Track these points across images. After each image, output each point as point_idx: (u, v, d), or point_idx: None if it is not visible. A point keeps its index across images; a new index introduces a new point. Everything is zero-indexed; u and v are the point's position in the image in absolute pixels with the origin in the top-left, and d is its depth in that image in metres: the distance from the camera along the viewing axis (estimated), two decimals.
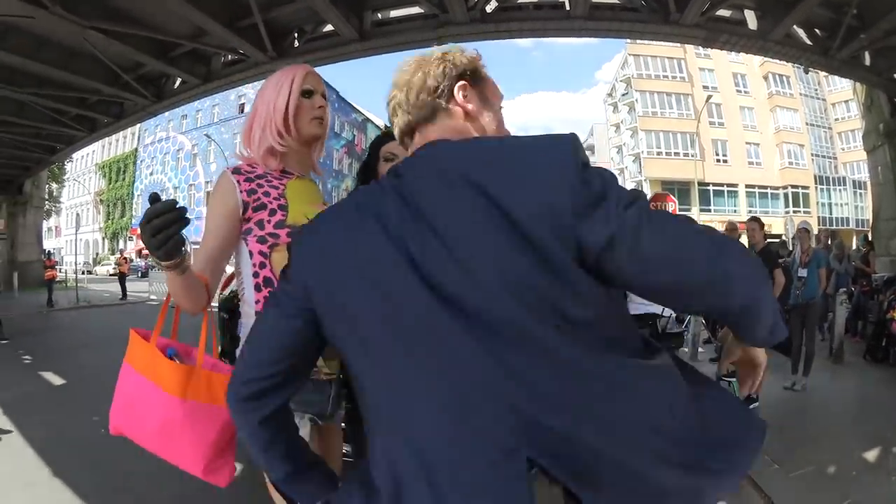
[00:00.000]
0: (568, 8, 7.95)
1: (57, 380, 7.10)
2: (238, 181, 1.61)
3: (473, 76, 1.16)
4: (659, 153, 44.43)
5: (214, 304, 1.63)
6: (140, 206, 53.54)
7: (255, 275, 1.61)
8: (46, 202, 31.19)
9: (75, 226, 25.73)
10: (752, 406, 5.23)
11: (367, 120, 61.35)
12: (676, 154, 44.00)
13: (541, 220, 0.87)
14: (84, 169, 56.96)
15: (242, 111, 44.53)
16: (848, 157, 44.05)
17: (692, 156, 40.32)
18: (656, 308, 4.83)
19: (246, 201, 1.60)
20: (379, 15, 9.01)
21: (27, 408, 5.63)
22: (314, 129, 1.79)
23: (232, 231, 1.60)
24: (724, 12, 7.85)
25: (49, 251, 24.52)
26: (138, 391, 1.53)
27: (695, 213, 34.86)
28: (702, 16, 7.36)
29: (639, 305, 4.75)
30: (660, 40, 8.39)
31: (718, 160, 44.04)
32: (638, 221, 0.87)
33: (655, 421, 0.91)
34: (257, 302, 1.61)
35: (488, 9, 8.13)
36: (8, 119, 13.99)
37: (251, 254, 1.61)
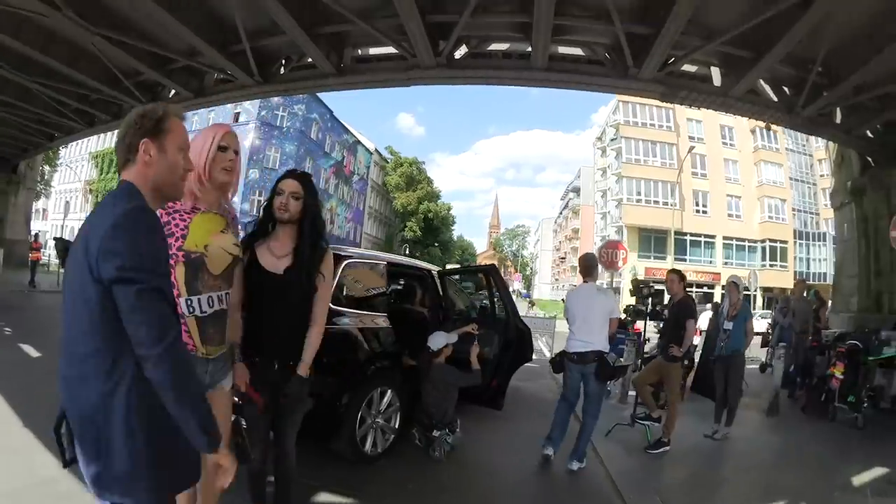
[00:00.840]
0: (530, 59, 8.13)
1: (34, 352, 7.60)
2: (160, 214, 2.21)
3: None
4: (639, 200, 45.04)
5: None
6: None
7: None
8: (38, 185, 32.06)
9: (64, 212, 26.17)
10: (661, 450, 5.68)
11: (358, 142, 61.64)
12: (657, 202, 44.60)
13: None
14: (77, 156, 56.86)
15: (237, 120, 44.90)
16: (830, 213, 44.69)
17: (672, 205, 41.04)
18: (601, 347, 5.24)
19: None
20: (359, 51, 9.54)
21: (6, 373, 6.21)
22: (223, 177, 2.48)
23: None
24: (689, 67, 7.86)
25: (36, 233, 24.92)
26: None
27: (670, 263, 35.40)
28: (660, 71, 7.41)
29: (581, 344, 5.23)
30: (619, 93, 8.79)
31: (698, 211, 44.83)
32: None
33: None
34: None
35: (458, 54, 8.45)
36: (13, 102, 14.64)
37: None
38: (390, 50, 9.01)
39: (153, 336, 1.54)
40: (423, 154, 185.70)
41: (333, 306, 4.33)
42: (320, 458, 4.58)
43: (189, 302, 2.35)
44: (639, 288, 8.16)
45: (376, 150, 67.39)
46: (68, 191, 53.04)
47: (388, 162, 69.58)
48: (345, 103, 69.95)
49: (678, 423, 5.98)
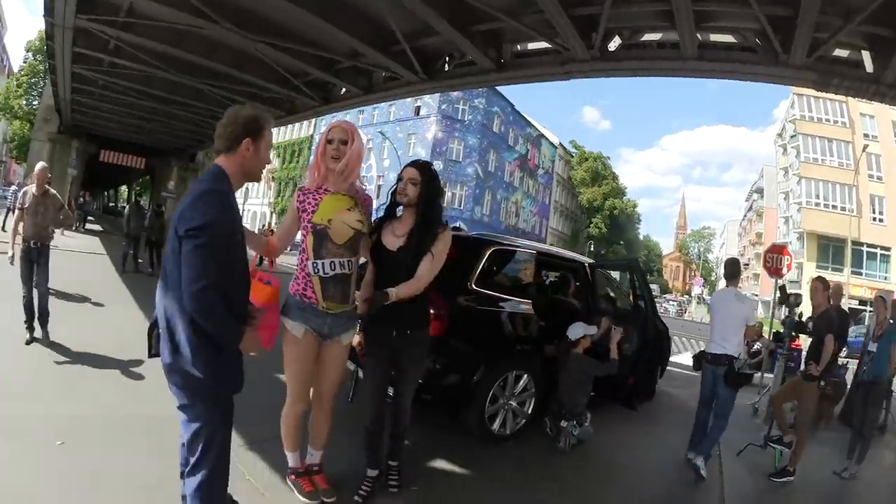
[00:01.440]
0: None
1: None
2: (297, 195, 3.29)
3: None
4: (817, 204, 40.68)
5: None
6: None
7: (301, 242, 3.27)
8: None
9: (244, 197, 30.10)
10: (783, 479, 5.43)
11: (542, 136, 61.81)
12: (834, 207, 40.02)
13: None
14: None
15: (418, 113, 47.21)
16: None
17: (849, 210, 36.86)
18: (734, 351, 5.30)
19: (298, 206, 3.25)
20: (518, 46, 9.72)
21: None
22: (331, 164, 3.23)
23: (294, 220, 3.28)
24: (840, 52, 7.19)
25: None
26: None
27: (846, 276, 32.15)
28: (809, 56, 6.85)
29: (716, 346, 5.39)
30: (773, 82, 7.86)
31: (875, 219, 39.18)
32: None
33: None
34: (302, 251, 3.25)
35: (612, 46, 8.27)
36: (187, 101, 16.63)
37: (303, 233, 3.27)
38: (546, 44, 9.03)
39: (189, 278, 2.30)
40: (608, 149, 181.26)
41: (476, 287, 5.07)
42: (448, 430, 5.15)
43: (315, 264, 3.16)
44: (786, 296, 7.64)
45: (560, 144, 67.56)
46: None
47: (572, 156, 69.78)
48: (527, 97, 70.56)
49: (812, 453, 5.79)
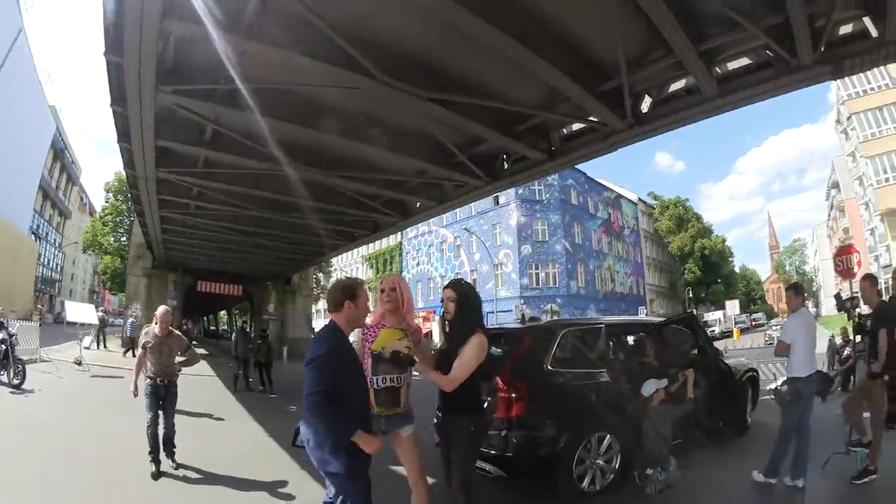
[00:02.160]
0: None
1: None
2: (362, 332, 4.16)
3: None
4: (887, 179, 38.38)
5: None
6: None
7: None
8: (314, 289, 40.45)
9: None
10: (866, 479, 5.52)
11: (620, 196, 61.88)
12: None
13: None
14: (350, 261, 68.17)
15: (498, 202, 48.41)
16: None
17: None
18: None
19: (362, 338, 4.16)
20: (564, 131, 10.17)
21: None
22: (387, 307, 4.17)
23: (361, 350, 4.11)
24: (844, 29, 7.02)
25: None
26: None
27: None
28: (815, 51, 6.80)
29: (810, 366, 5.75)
30: (796, 88, 7.64)
31: None
32: None
33: None
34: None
35: (644, 107, 8.63)
36: (275, 232, 18.06)
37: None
38: (580, 125, 9.70)
39: (306, 390, 3.31)
40: (688, 188, 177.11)
41: (551, 367, 5.95)
42: (539, 493, 5.88)
43: (372, 380, 3.98)
44: (842, 302, 7.57)
45: (639, 199, 67.35)
46: None
47: (653, 208, 68.66)
48: (599, 161, 70.51)
49: (892, 450, 5.74)
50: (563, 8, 6.59)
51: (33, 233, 64.81)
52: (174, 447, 6.87)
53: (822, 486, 5.65)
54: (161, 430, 6.70)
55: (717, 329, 53.53)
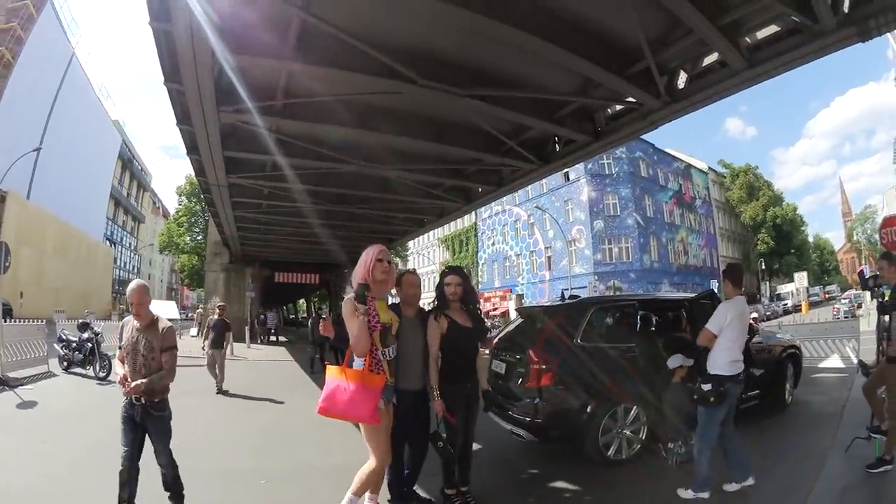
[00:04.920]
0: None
1: None
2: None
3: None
4: None
5: None
6: (485, 272, 61.56)
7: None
8: None
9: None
10: (880, 469, 5.20)
11: (690, 166, 60.27)
12: None
13: None
14: (427, 244, 68.96)
15: (567, 178, 48.23)
16: None
17: None
18: None
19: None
20: (609, 111, 10.59)
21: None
22: (382, 277, 4.25)
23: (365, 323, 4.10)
24: None
25: None
26: (334, 385, 4.04)
27: None
28: (836, 14, 6.68)
29: None
30: (823, 55, 7.38)
31: None
32: None
33: None
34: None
35: (681, 83, 8.73)
36: (345, 223, 19.26)
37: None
38: (621, 106, 10.15)
39: None
40: (761, 154, 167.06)
41: (580, 342, 6.42)
42: (570, 458, 6.35)
43: (385, 352, 4.15)
44: (864, 280, 6.98)
45: (709, 168, 64.91)
46: (425, 273, 61.84)
47: (724, 177, 66.15)
48: (667, 130, 68.15)
49: None
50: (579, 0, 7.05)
51: (108, 238, 70.10)
52: (182, 496, 4.55)
53: (840, 471, 5.46)
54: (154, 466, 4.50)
55: (789, 302, 52.15)
